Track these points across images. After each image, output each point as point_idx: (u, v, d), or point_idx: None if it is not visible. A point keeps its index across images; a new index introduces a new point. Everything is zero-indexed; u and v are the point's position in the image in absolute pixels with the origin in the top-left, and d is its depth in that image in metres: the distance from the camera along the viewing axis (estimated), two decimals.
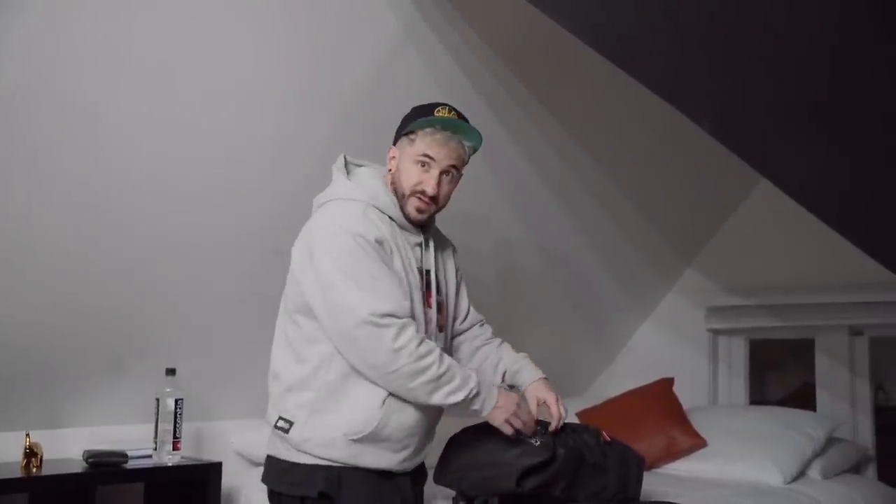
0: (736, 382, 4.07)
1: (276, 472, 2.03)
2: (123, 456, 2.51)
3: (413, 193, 2.03)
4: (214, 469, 2.61)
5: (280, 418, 1.98)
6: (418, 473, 2.11)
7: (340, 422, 1.93)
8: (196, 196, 2.48)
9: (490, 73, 2.76)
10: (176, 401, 2.61)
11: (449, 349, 2.15)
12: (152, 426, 2.62)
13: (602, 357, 4.26)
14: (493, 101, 2.82)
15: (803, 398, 3.93)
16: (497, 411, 1.99)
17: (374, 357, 1.89)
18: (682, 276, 4.16)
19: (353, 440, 1.93)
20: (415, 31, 2.52)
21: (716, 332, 4.07)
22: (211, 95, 2.33)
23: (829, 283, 3.64)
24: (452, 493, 2.20)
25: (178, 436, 2.61)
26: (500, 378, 2.20)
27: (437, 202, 2.05)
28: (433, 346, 1.94)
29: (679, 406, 3.46)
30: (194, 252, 2.57)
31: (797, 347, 4.12)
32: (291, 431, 1.96)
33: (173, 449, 2.60)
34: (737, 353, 4.09)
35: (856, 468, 3.51)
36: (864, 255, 3.31)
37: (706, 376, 4.03)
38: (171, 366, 2.64)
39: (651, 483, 2.30)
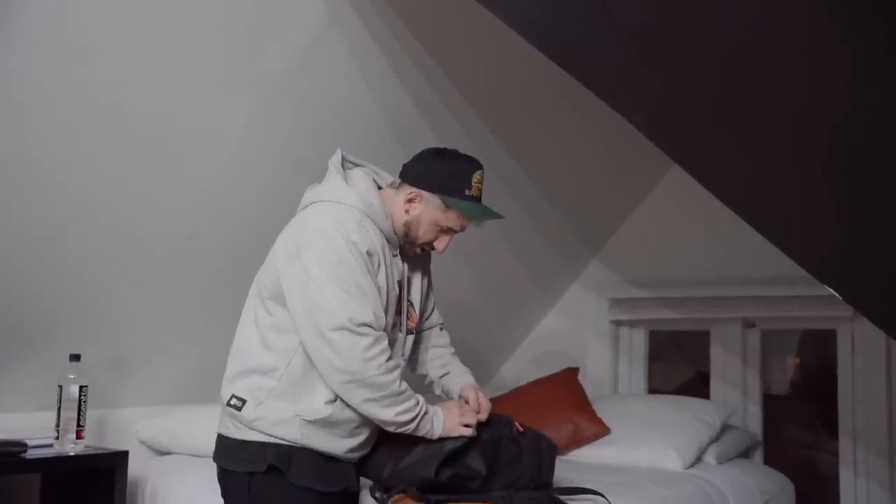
0: (636, 372, 4.20)
1: (225, 450, 2.04)
2: (22, 445, 2.39)
3: (422, 245, 2.13)
4: (121, 458, 2.52)
5: (234, 396, 2.00)
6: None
7: (295, 407, 1.97)
8: (108, 174, 2.37)
9: (411, 60, 2.75)
10: (80, 388, 2.50)
11: (409, 347, 2.22)
12: (53, 414, 2.50)
13: (507, 346, 4.33)
14: (412, 87, 2.82)
15: (693, 389, 4.09)
16: (448, 423, 2.07)
17: (345, 362, 1.92)
18: (588, 267, 4.27)
19: (307, 420, 1.97)
20: (340, 14, 2.48)
21: (618, 323, 4.20)
22: (130, 71, 2.22)
23: (725, 277, 3.81)
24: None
25: (81, 424, 2.50)
26: (438, 375, 2.31)
27: None
28: (397, 364, 2.02)
29: (584, 395, 3.55)
30: (103, 233, 2.46)
31: (685, 340, 4.31)
32: (244, 409, 1.98)
33: (77, 438, 2.49)
34: (637, 343, 4.22)
35: (745, 453, 3.69)
36: (758, 252, 3.48)
37: (608, 366, 4.15)
38: (73, 351, 2.53)
39: (558, 469, 2.35)
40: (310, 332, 1.94)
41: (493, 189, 3.39)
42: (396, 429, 2.02)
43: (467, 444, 2.10)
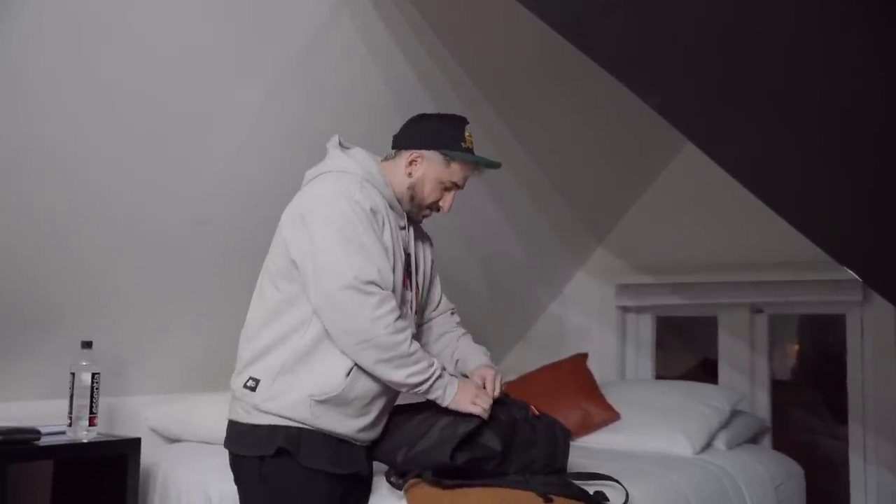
0: (643, 358, 4.20)
1: (236, 435, 2.04)
2: (35, 432, 2.39)
3: (429, 207, 2.16)
4: (133, 445, 2.52)
5: (250, 378, 2.00)
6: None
7: (308, 384, 1.97)
8: (115, 160, 2.36)
9: (421, 43, 2.74)
10: (93, 375, 2.50)
11: (418, 332, 2.21)
12: (65, 401, 2.50)
13: (514, 332, 4.32)
14: (421, 70, 2.80)
15: (695, 377, 4.08)
16: (460, 397, 2.06)
17: (354, 323, 1.92)
18: (594, 254, 4.26)
19: (318, 401, 1.97)
20: None
21: (625, 309, 4.19)
22: (136, 54, 2.21)
23: (732, 262, 3.80)
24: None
25: (94, 411, 2.50)
26: (452, 365, 2.30)
27: None
28: (408, 325, 2.02)
29: (593, 381, 3.54)
30: (113, 221, 2.45)
31: (685, 328, 4.30)
32: (259, 388, 1.98)
33: (90, 425, 2.49)
34: (644, 329, 4.22)
35: (754, 438, 3.69)
36: (765, 237, 3.48)
37: (615, 352, 4.15)
38: (85, 338, 2.52)
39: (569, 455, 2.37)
40: (319, 296, 1.94)
41: (500, 177, 3.40)
42: (409, 390, 2.03)
43: (482, 426, 2.09)
